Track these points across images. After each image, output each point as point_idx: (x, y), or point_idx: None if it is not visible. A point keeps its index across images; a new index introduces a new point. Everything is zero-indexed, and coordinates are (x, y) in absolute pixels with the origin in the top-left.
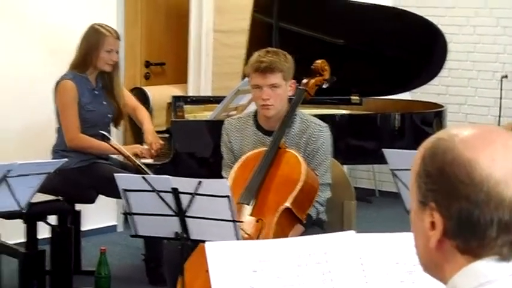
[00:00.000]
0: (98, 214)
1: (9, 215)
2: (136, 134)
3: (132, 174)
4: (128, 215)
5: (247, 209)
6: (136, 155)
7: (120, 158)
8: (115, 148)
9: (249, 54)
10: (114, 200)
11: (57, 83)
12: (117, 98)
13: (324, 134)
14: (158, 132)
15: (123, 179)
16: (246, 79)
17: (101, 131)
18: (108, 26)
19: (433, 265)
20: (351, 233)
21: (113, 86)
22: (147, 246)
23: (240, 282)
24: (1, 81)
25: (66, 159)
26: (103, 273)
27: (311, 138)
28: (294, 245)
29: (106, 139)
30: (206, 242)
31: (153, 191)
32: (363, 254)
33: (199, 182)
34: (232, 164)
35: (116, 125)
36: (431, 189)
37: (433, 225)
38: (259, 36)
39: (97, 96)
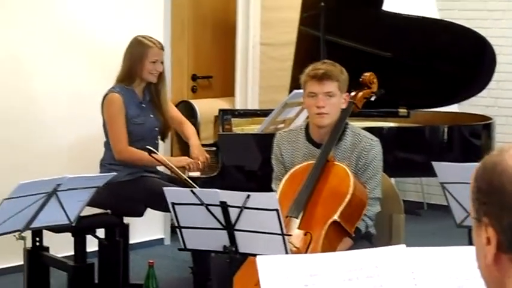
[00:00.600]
0: (145, 227)
1: (58, 229)
2: (183, 147)
3: (181, 188)
4: (176, 228)
5: (296, 222)
6: (183, 168)
7: (167, 171)
8: (162, 162)
9: (295, 67)
10: (162, 213)
11: (105, 96)
12: (163, 111)
13: (376, 148)
14: (205, 145)
15: (172, 193)
16: (294, 92)
17: (147, 146)
18: (151, 37)
19: (495, 281)
20: (402, 247)
21: (159, 99)
22: (194, 260)
23: None
24: (50, 96)
25: (114, 173)
26: (151, 286)
27: (363, 152)
28: (345, 259)
29: (152, 154)
30: (257, 256)
31: (202, 204)
32: (415, 268)
33: (248, 196)
34: (283, 176)
35: (163, 139)
36: (483, 203)
37: (488, 240)
38: (306, 49)
39: (144, 109)
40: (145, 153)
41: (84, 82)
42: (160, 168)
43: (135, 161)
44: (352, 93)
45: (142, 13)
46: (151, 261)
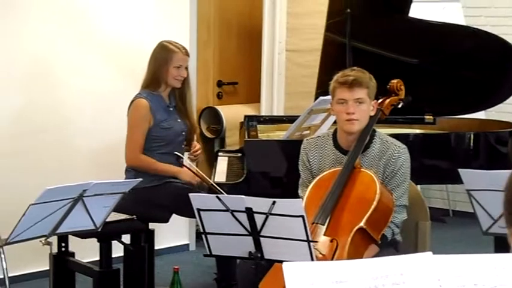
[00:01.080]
0: (170, 233)
1: (84, 234)
2: (209, 153)
3: (206, 194)
4: (202, 234)
5: (322, 228)
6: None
7: None
8: (188, 168)
9: (321, 74)
10: (187, 219)
11: (132, 102)
12: (189, 116)
13: (404, 156)
14: (230, 151)
15: (198, 199)
16: (320, 98)
17: (175, 152)
18: (176, 42)
19: None
20: (428, 254)
21: (184, 104)
22: (219, 266)
23: None
24: (77, 102)
25: (141, 179)
26: None
27: (391, 159)
28: (371, 266)
29: (180, 159)
30: (284, 262)
31: (227, 210)
32: (442, 276)
33: (274, 202)
34: (310, 183)
35: (188, 144)
36: (509, 213)
37: None
38: (332, 55)
39: (171, 113)
40: (157, 164)
41: (111, 88)
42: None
43: (146, 170)
44: (380, 100)
45: (168, 19)
46: (176, 267)
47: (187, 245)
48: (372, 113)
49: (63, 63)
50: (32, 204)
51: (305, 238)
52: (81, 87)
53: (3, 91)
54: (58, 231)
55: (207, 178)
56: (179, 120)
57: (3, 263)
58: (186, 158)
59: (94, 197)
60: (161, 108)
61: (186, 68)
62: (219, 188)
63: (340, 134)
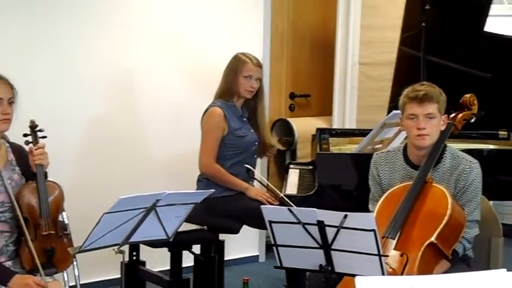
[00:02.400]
0: (240, 244)
1: (155, 244)
2: (280, 165)
3: (278, 206)
4: (273, 246)
5: (392, 243)
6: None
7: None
8: (259, 181)
9: (395, 87)
10: (257, 230)
11: (206, 110)
12: (261, 128)
13: (475, 171)
14: (302, 164)
15: (269, 211)
16: (393, 112)
17: (245, 165)
18: (250, 54)
19: None
20: (503, 272)
21: (256, 116)
22: (288, 278)
23: None
24: (152, 112)
25: (213, 190)
26: None
27: (462, 174)
28: (443, 282)
29: (250, 172)
30: (357, 276)
31: (299, 223)
32: None
33: (345, 216)
34: (379, 197)
35: (260, 156)
36: None
37: None
38: (406, 69)
39: (245, 123)
40: (228, 176)
41: (185, 99)
42: (257, 185)
43: (216, 179)
44: (452, 115)
45: (243, 31)
46: (246, 278)
47: (257, 256)
48: (442, 128)
49: (142, 75)
50: (106, 213)
51: (376, 252)
52: (156, 98)
53: (86, 101)
54: (131, 240)
55: (277, 190)
56: (252, 131)
57: (76, 270)
58: (256, 171)
59: (167, 207)
60: (235, 117)
61: (259, 80)
62: (288, 201)
63: (411, 149)
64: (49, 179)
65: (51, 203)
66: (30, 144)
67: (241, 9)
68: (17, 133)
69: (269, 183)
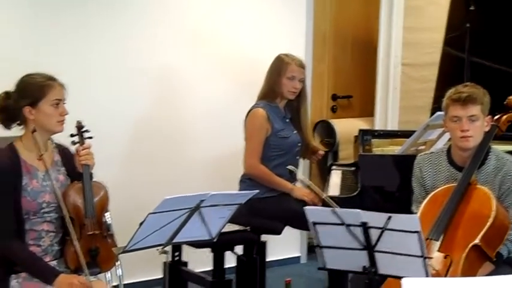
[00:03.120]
0: (282, 245)
1: (198, 244)
2: (322, 167)
3: (322, 208)
4: (316, 247)
5: (436, 244)
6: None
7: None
8: (302, 182)
9: (438, 88)
10: (298, 231)
11: (249, 111)
12: (304, 129)
13: None
14: (344, 165)
15: (313, 212)
16: (437, 114)
17: (288, 167)
18: (292, 55)
19: None
20: None
21: (299, 117)
22: (331, 279)
23: None
24: (194, 112)
25: (257, 191)
26: None
27: (507, 176)
28: (488, 285)
29: (293, 174)
30: (403, 278)
31: (343, 224)
32: None
33: (389, 217)
34: (423, 199)
35: (303, 157)
36: None
37: None
38: (450, 70)
39: (288, 124)
40: (273, 176)
41: (229, 99)
42: (299, 186)
43: (261, 179)
44: (496, 116)
45: (285, 33)
46: (288, 279)
47: (299, 257)
48: (486, 129)
49: (185, 76)
50: (151, 213)
51: (420, 254)
52: (200, 99)
53: (131, 101)
54: (175, 241)
55: (321, 191)
56: (295, 132)
57: (119, 270)
58: (299, 173)
59: (211, 207)
60: (278, 118)
61: (302, 81)
62: (332, 202)
63: (455, 151)
64: (94, 179)
65: (97, 203)
66: (77, 145)
67: (283, 10)
68: (63, 133)
69: (312, 184)
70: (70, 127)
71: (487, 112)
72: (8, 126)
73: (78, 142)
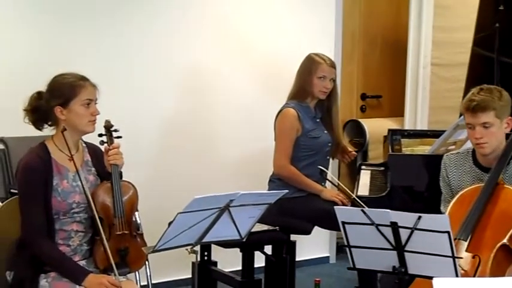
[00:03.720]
0: (311, 245)
1: (227, 244)
2: (351, 167)
3: (351, 207)
4: (346, 247)
5: (464, 244)
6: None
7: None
8: (331, 182)
9: (468, 89)
10: (327, 231)
11: (280, 111)
12: (334, 129)
13: None
14: (373, 165)
15: (343, 212)
16: None
17: (319, 166)
18: (323, 55)
19: None
20: None
21: (330, 117)
22: (360, 279)
23: None
24: (224, 110)
25: (287, 190)
26: None
27: None
28: None
29: (324, 174)
30: (434, 278)
31: (372, 224)
32: None
33: (419, 217)
34: (451, 199)
35: (333, 157)
36: None
37: None
38: (479, 70)
39: (319, 124)
40: (303, 177)
41: (257, 98)
42: (329, 186)
43: (290, 180)
44: None
45: (314, 32)
46: (317, 279)
47: (328, 257)
48: (507, 130)
49: (212, 75)
50: (180, 213)
51: (450, 254)
52: (228, 99)
53: (159, 101)
54: (204, 240)
55: (349, 191)
56: (325, 132)
57: (148, 269)
58: (329, 172)
59: (240, 207)
60: (309, 118)
61: (333, 81)
62: (361, 202)
63: (479, 153)
64: (124, 179)
65: (126, 203)
66: (105, 144)
67: (313, 9)
68: (92, 133)
69: (341, 184)
70: (100, 127)
71: (506, 114)
72: (39, 127)
73: (106, 142)
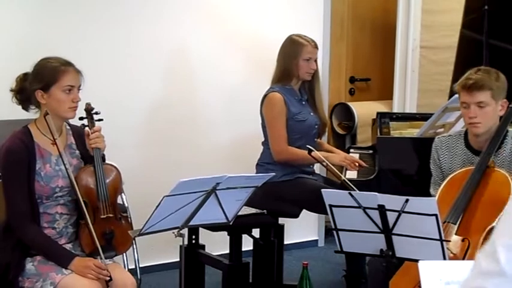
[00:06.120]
0: (300, 228)
1: (215, 227)
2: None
3: (338, 190)
4: (333, 230)
5: (454, 228)
6: (341, 167)
7: (324, 173)
8: (320, 162)
9: (456, 72)
10: (316, 214)
11: (265, 96)
12: (318, 109)
13: None
14: (362, 148)
15: (330, 195)
16: (455, 96)
17: (307, 145)
18: (305, 36)
19: None
20: None
21: (314, 97)
22: (348, 263)
23: None
24: (208, 95)
25: (273, 174)
26: (305, 287)
27: None
28: None
29: (313, 153)
30: (420, 261)
31: (360, 207)
32: None
33: (407, 200)
34: (441, 181)
35: (319, 136)
36: None
37: None
38: (468, 53)
39: (304, 106)
40: (304, 152)
41: (242, 81)
42: (317, 170)
43: (293, 161)
44: None
45: (302, 14)
46: (305, 262)
47: (316, 240)
48: (501, 113)
49: (198, 58)
50: (166, 196)
51: (438, 237)
52: (213, 81)
53: (143, 84)
54: (191, 224)
55: (339, 173)
56: (312, 114)
57: (135, 253)
58: (318, 153)
59: (227, 190)
60: (295, 101)
61: (315, 61)
62: (350, 184)
63: (471, 134)
64: (111, 162)
65: (109, 186)
66: (87, 128)
67: None
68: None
69: (330, 165)
70: (80, 110)
71: (501, 96)
72: (25, 107)
73: (87, 125)
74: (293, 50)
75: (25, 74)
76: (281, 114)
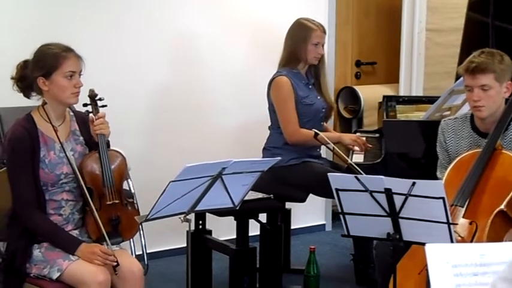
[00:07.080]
0: (307, 213)
1: (221, 212)
2: (346, 130)
3: (345, 174)
4: (340, 214)
5: (461, 211)
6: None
7: (330, 157)
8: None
9: (462, 54)
10: (323, 199)
11: (272, 80)
12: (324, 92)
13: None
14: (368, 131)
15: (336, 179)
16: (461, 79)
17: (313, 130)
18: (313, 20)
19: None
20: None
21: (320, 81)
22: (356, 247)
23: (460, 284)
24: (215, 79)
25: (279, 158)
26: (312, 272)
27: None
28: None
29: (319, 136)
30: (426, 244)
31: (366, 191)
32: None
33: (413, 183)
34: (448, 164)
35: (326, 120)
36: None
37: None
38: (474, 35)
39: (311, 90)
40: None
41: (250, 66)
42: (324, 154)
43: (307, 142)
44: None
45: None
46: (312, 246)
47: (324, 225)
48: (506, 95)
49: (203, 43)
50: (172, 181)
51: (445, 220)
52: (218, 66)
53: (150, 69)
54: (197, 209)
55: (346, 157)
56: (319, 97)
57: (142, 239)
58: (324, 135)
59: (233, 175)
60: (302, 85)
61: (323, 46)
62: (357, 168)
63: (477, 117)
64: (112, 147)
65: (114, 172)
66: (91, 114)
67: None
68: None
69: (336, 149)
70: (84, 96)
71: (507, 78)
72: (27, 95)
73: (91, 111)
74: (302, 34)
75: (25, 62)
76: (290, 97)
